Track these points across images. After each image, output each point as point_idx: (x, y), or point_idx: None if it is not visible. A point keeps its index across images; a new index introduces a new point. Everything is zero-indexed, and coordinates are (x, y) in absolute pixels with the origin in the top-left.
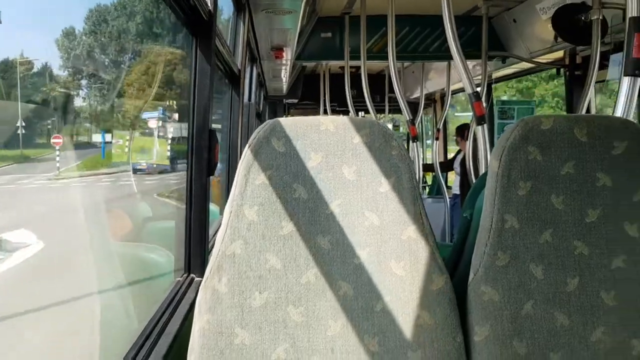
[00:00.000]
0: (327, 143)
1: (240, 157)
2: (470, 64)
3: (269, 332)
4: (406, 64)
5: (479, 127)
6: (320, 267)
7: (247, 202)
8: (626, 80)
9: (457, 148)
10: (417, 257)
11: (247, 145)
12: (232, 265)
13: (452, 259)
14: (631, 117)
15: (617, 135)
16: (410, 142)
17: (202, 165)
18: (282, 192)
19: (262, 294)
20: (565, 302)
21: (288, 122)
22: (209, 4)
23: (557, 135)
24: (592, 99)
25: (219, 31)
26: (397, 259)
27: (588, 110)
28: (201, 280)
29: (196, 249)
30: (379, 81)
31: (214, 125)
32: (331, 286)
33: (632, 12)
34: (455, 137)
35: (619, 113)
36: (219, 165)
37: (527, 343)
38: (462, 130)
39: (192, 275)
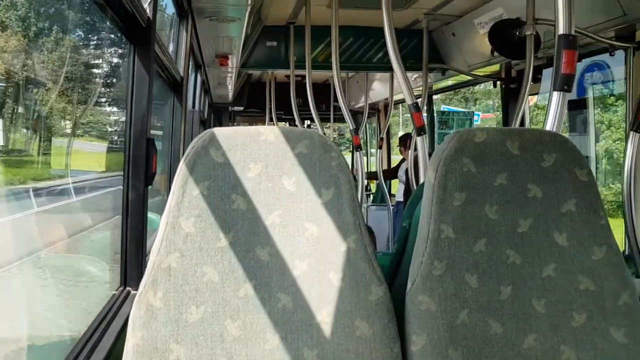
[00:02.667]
0: (267, 153)
1: None
2: (411, 75)
3: (205, 347)
4: (351, 73)
5: (419, 138)
6: (259, 280)
7: (183, 214)
8: (555, 95)
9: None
10: (356, 268)
11: (184, 156)
12: (167, 279)
13: (391, 268)
14: (560, 131)
15: (547, 148)
16: (354, 151)
17: (140, 174)
18: (220, 203)
19: (198, 308)
20: (499, 310)
21: (227, 132)
22: (148, 12)
23: (490, 147)
24: (526, 111)
25: (158, 38)
26: (336, 270)
27: (522, 122)
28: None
29: (132, 262)
30: (324, 90)
31: (156, 133)
32: (270, 299)
33: (561, 29)
34: (398, 147)
35: (548, 126)
36: None
37: (462, 352)
38: (405, 140)
39: (128, 288)
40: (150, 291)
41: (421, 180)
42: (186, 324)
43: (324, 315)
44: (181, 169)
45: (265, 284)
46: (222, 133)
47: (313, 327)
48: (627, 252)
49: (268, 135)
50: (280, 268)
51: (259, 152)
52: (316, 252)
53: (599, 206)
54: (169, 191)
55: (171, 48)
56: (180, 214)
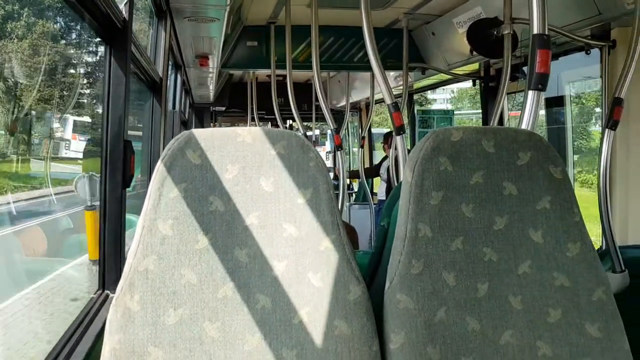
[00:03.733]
0: (244, 155)
1: None
2: (392, 74)
3: (184, 350)
4: (332, 73)
5: (399, 137)
6: (237, 281)
7: (160, 216)
8: (530, 94)
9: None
10: (334, 267)
11: (160, 158)
12: (145, 281)
13: (370, 267)
14: (535, 129)
15: (522, 147)
16: (336, 150)
17: (117, 177)
18: (198, 205)
19: (176, 310)
20: (476, 307)
21: (204, 134)
22: (124, 12)
23: (466, 146)
24: (505, 109)
25: (135, 39)
26: (315, 270)
27: (501, 119)
28: None
29: (111, 264)
30: (306, 90)
31: (136, 134)
32: (249, 300)
33: (535, 29)
34: (382, 144)
35: (524, 125)
36: None
37: (440, 349)
38: (388, 138)
39: (106, 291)
40: (128, 294)
41: (401, 177)
42: (164, 326)
43: (303, 315)
44: (158, 170)
45: (244, 285)
46: (199, 134)
47: (292, 327)
48: (603, 247)
49: (245, 137)
50: (259, 269)
51: (236, 154)
52: (295, 253)
53: (573, 203)
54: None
55: (149, 48)
56: (157, 216)
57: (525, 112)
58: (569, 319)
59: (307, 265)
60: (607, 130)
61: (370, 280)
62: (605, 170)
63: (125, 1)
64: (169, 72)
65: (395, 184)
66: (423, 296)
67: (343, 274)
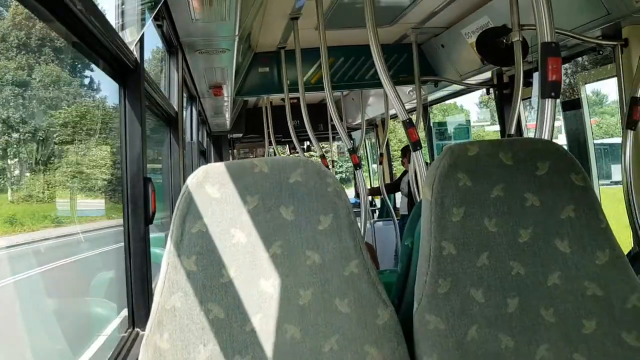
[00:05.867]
0: (263, 185)
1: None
2: (405, 89)
3: None
4: (345, 92)
5: (415, 153)
6: (264, 312)
7: (184, 252)
8: (544, 103)
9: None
10: (361, 292)
11: (180, 194)
12: (172, 319)
13: (397, 288)
14: (552, 137)
15: (540, 157)
16: (355, 170)
17: (139, 214)
18: (220, 238)
19: (206, 346)
20: (508, 323)
21: (221, 167)
22: (135, 53)
23: (484, 160)
24: (521, 116)
25: (148, 76)
26: (341, 297)
27: (518, 126)
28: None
29: (139, 302)
30: (321, 110)
31: (156, 166)
32: (277, 331)
33: (543, 37)
34: (401, 159)
35: (539, 134)
36: None
37: None
38: (407, 152)
39: (136, 329)
40: (157, 333)
41: (422, 192)
42: None
43: (333, 343)
44: (178, 207)
45: (271, 316)
46: (216, 168)
47: (323, 356)
48: (632, 253)
49: (262, 167)
50: (286, 299)
51: (254, 185)
52: (320, 280)
53: (598, 210)
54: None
55: (163, 83)
56: (181, 253)
57: (540, 122)
58: (604, 329)
59: (333, 291)
60: (627, 131)
61: (398, 301)
62: (629, 171)
63: (135, 42)
64: (184, 105)
65: (417, 197)
66: (453, 315)
67: (370, 299)
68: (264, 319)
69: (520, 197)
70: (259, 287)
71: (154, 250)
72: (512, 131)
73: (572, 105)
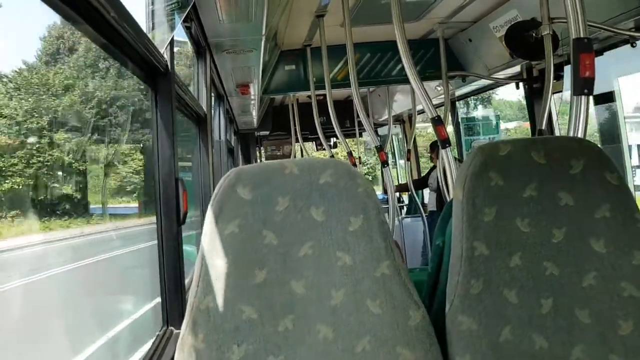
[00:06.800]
0: (293, 186)
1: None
2: (432, 84)
3: None
4: (372, 88)
5: (444, 150)
6: (297, 313)
7: (217, 254)
8: (576, 100)
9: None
10: (392, 293)
11: (212, 196)
12: (207, 319)
13: (428, 288)
14: (585, 135)
15: (573, 155)
16: (382, 167)
17: (171, 215)
18: (252, 240)
19: (240, 346)
20: (542, 324)
21: (251, 169)
22: (166, 56)
23: (515, 159)
24: (553, 110)
25: (178, 79)
26: (373, 297)
27: (550, 121)
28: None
29: (173, 301)
30: (347, 106)
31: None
32: (310, 331)
33: (575, 33)
34: (429, 154)
35: (572, 132)
36: None
37: None
38: (435, 147)
39: (170, 328)
40: (192, 333)
41: (451, 190)
42: None
43: (365, 344)
44: (210, 210)
45: (303, 317)
46: (247, 171)
47: (355, 357)
48: None
49: (293, 168)
50: (317, 299)
51: (285, 186)
52: (351, 281)
53: (634, 209)
54: (202, 224)
55: (192, 84)
56: (214, 255)
57: (573, 119)
58: None
59: (365, 292)
60: None
61: (429, 301)
62: None
63: (166, 45)
64: (212, 104)
65: (446, 194)
66: (486, 316)
67: (402, 300)
68: (296, 320)
69: (553, 197)
70: (291, 288)
71: (184, 247)
72: (543, 126)
73: (605, 99)
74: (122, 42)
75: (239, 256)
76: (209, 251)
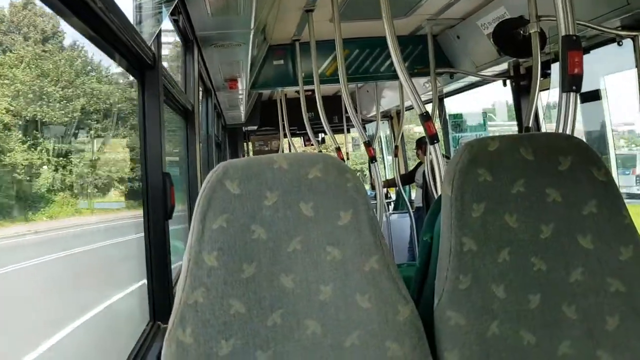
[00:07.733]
0: (282, 181)
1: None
2: (420, 80)
3: None
4: (360, 84)
5: (432, 146)
6: (285, 308)
7: (205, 248)
8: (564, 97)
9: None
10: (381, 288)
11: (200, 190)
12: (195, 314)
13: (416, 283)
14: (570, 131)
15: (562, 151)
16: (370, 162)
17: (159, 209)
18: (241, 234)
19: (228, 341)
20: (529, 319)
21: (240, 163)
22: (153, 48)
23: (504, 155)
24: (539, 108)
25: (166, 72)
26: (362, 292)
27: (536, 118)
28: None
29: (160, 296)
30: (336, 102)
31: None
32: (298, 326)
33: (564, 31)
34: (415, 150)
35: (560, 129)
36: None
37: None
38: (421, 144)
39: (157, 322)
40: (179, 328)
41: (439, 186)
42: (217, 358)
43: (354, 339)
44: (198, 204)
45: (292, 312)
46: (235, 165)
47: (344, 351)
48: None
49: (281, 163)
50: (306, 294)
51: (274, 180)
52: (340, 276)
53: (621, 205)
54: (190, 219)
55: (179, 77)
56: (202, 249)
57: (561, 116)
58: (628, 325)
59: (354, 287)
60: None
61: (417, 297)
62: None
63: (153, 38)
64: (200, 98)
65: (433, 190)
66: (474, 311)
67: (390, 295)
68: (285, 315)
69: (541, 193)
70: (280, 282)
71: (172, 242)
72: (530, 124)
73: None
74: (109, 33)
75: (227, 251)
76: (197, 245)
